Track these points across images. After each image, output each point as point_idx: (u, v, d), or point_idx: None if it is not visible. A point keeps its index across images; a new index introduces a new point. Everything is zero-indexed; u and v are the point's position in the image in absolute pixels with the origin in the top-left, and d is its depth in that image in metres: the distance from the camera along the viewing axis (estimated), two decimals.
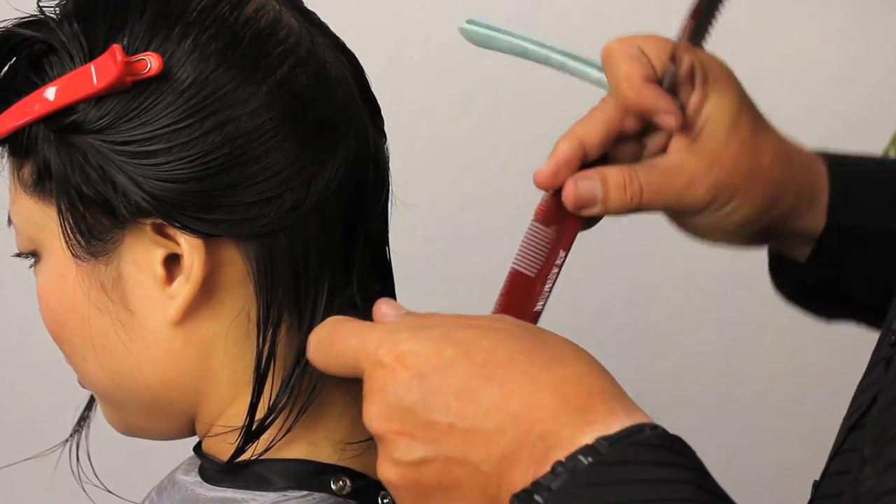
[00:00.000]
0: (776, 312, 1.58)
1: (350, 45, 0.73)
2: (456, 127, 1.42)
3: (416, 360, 0.57)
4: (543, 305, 0.72)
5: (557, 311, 1.51)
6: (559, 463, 0.54)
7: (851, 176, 0.75)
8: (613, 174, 0.71)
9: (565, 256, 0.72)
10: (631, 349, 1.58)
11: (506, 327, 0.59)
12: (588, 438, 0.54)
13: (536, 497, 0.53)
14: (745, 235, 0.76)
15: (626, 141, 0.73)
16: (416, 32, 1.48)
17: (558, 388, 0.56)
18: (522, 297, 0.71)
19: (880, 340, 0.63)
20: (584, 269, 1.53)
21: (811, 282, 0.78)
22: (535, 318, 0.72)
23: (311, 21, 0.71)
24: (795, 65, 1.55)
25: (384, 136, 0.73)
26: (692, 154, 0.72)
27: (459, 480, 0.56)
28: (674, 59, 0.71)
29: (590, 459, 0.53)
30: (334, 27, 0.73)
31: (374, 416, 0.58)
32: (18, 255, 0.73)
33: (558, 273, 0.72)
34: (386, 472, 0.58)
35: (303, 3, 0.72)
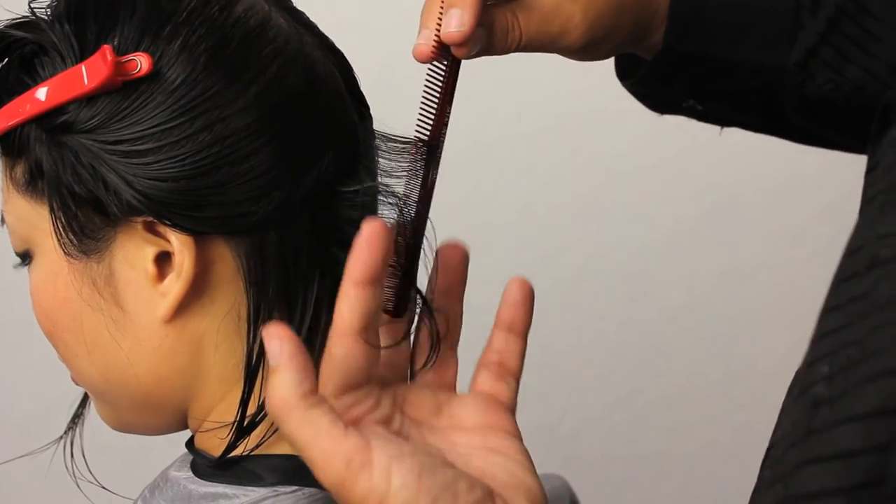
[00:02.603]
0: (775, 309, 1.60)
1: (344, 47, 0.74)
2: (453, 124, 1.43)
3: None
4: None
5: (556, 310, 1.53)
6: None
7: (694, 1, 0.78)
8: (498, 20, 0.70)
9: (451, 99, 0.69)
10: (630, 345, 1.58)
11: None
12: None
13: None
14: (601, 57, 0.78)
15: None
16: (411, 34, 1.48)
17: None
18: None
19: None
20: (583, 266, 1.54)
21: (645, 86, 0.81)
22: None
23: (300, 21, 0.72)
24: None
25: (374, 134, 0.74)
26: None
27: None
28: None
29: None
30: (330, 27, 0.74)
31: None
32: (19, 259, 0.73)
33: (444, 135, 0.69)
34: None
35: (292, 3, 0.73)
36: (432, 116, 0.67)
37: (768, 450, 0.60)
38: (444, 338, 0.64)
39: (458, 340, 0.66)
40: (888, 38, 0.76)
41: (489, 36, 0.69)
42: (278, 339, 0.55)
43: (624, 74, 0.83)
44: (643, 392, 1.58)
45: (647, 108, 0.84)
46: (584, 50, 0.74)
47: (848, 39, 0.76)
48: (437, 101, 0.68)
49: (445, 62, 0.68)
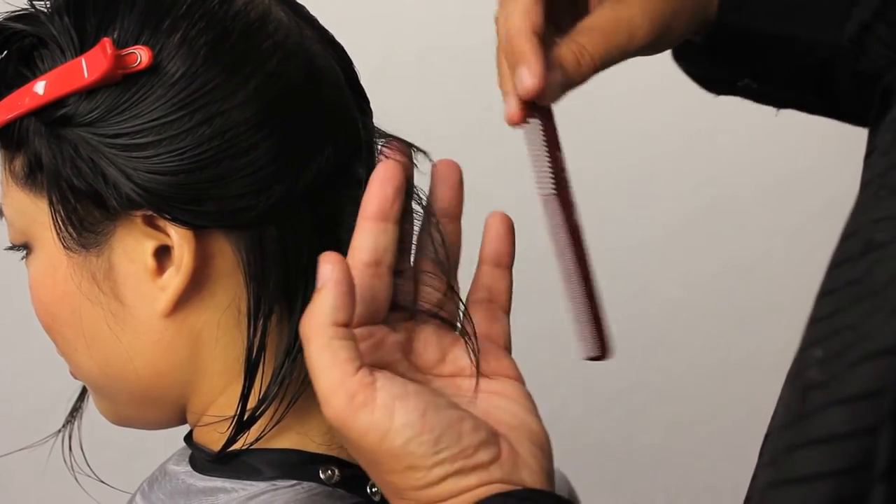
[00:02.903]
0: (773, 304, 1.60)
1: (344, 40, 0.74)
2: (451, 123, 1.43)
3: None
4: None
5: (555, 305, 1.53)
6: None
7: None
8: (566, 56, 0.69)
9: (560, 151, 0.70)
10: (629, 340, 1.58)
11: None
12: None
13: None
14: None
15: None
16: (410, 28, 1.48)
17: None
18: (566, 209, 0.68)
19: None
20: None
21: (699, 66, 0.81)
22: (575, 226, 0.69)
23: (300, 14, 0.72)
24: None
25: (373, 128, 0.74)
26: (623, 2, 0.71)
27: None
28: None
29: None
30: (329, 20, 0.74)
31: None
32: (11, 247, 0.73)
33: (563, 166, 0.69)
34: None
35: None
36: (550, 168, 0.68)
37: (765, 437, 0.60)
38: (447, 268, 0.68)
39: (457, 263, 0.69)
40: None
41: (564, 71, 0.68)
42: (331, 264, 0.59)
43: (679, 55, 0.82)
44: (642, 386, 1.58)
45: (703, 88, 0.83)
46: (653, 46, 0.73)
47: None
48: (547, 152, 0.68)
49: (538, 115, 0.68)
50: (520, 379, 0.66)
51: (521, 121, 0.68)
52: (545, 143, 0.68)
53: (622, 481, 1.60)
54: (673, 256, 1.59)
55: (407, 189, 0.66)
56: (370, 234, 0.63)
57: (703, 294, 1.60)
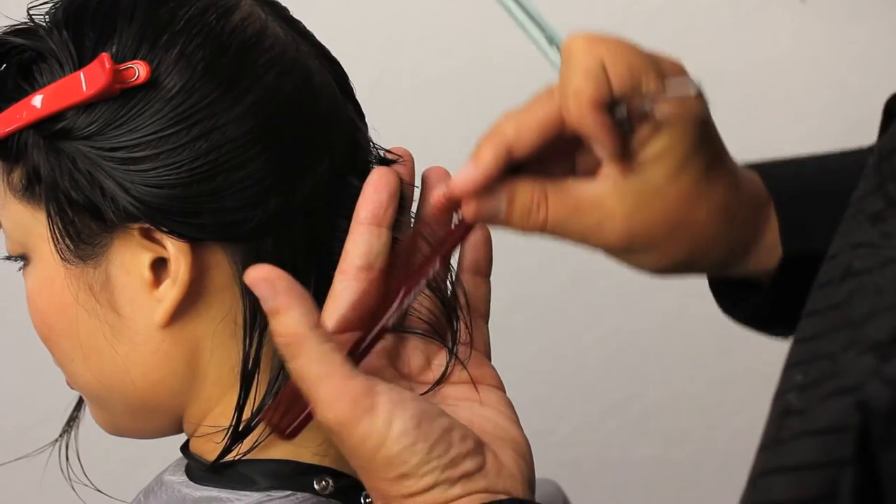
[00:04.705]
0: None
1: (341, 52, 0.74)
2: (449, 131, 1.43)
3: None
4: (393, 320, 0.62)
5: (551, 315, 1.53)
6: None
7: (799, 200, 0.67)
8: (521, 195, 0.61)
9: (441, 267, 0.64)
10: (625, 351, 1.58)
11: None
12: None
13: None
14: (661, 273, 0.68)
15: (559, 145, 0.63)
16: (407, 40, 1.48)
17: None
18: (375, 299, 0.63)
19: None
20: (577, 271, 1.54)
21: (768, 310, 0.70)
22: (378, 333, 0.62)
23: (297, 30, 0.72)
24: (792, 67, 1.56)
25: (369, 141, 0.74)
26: (618, 191, 0.61)
27: None
28: (636, 97, 0.60)
29: None
30: (325, 36, 0.74)
31: None
32: (8, 258, 0.74)
33: (422, 286, 0.63)
34: None
35: (288, 12, 0.73)
36: (424, 264, 0.63)
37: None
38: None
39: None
40: None
41: (508, 210, 0.62)
42: (267, 281, 0.57)
43: (732, 307, 0.73)
44: (638, 397, 1.58)
45: (770, 334, 0.72)
46: (629, 252, 0.64)
47: None
48: (431, 251, 0.63)
49: (457, 219, 0.63)
50: (501, 387, 0.66)
51: (438, 208, 0.64)
52: (438, 242, 0.63)
53: (618, 492, 1.60)
54: None
55: (402, 196, 0.67)
56: (363, 238, 0.64)
57: (700, 304, 1.60)
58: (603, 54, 0.60)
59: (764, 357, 1.58)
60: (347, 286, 0.63)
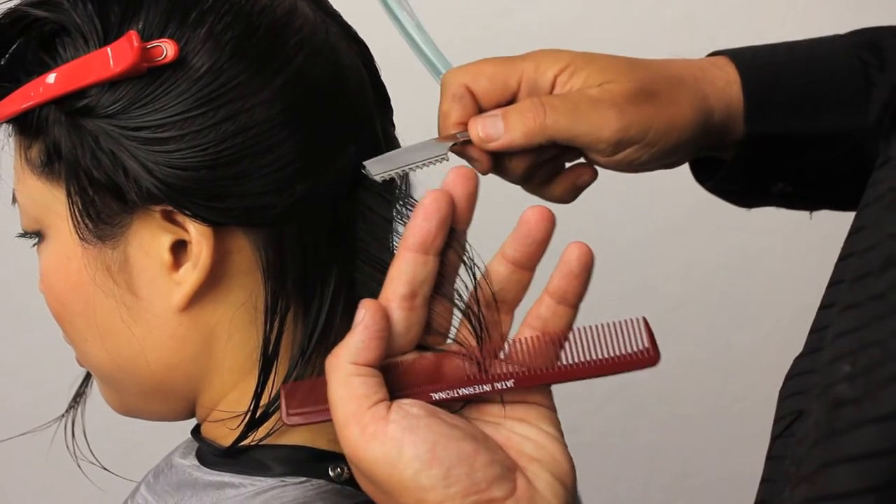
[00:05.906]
0: (772, 301, 1.60)
1: (366, 34, 0.73)
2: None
3: None
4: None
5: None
6: None
7: (765, 81, 0.76)
8: (515, 105, 0.70)
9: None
10: None
11: None
12: None
13: None
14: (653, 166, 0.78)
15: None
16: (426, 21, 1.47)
17: None
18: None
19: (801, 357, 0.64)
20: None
21: (731, 181, 0.80)
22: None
23: (325, 10, 0.71)
24: None
25: (393, 126, 0.73)
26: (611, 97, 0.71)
27: None
28: None
29: None
30: (352, 15, 0.73)
31: None
32: (23, 234, 0.73)
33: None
34: None
35: None
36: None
37: (772, 439, 0.60)
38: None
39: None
40: None
41: (506, 119, 0.70)
42: (366, 309, 0.61)
43: (703, 176, 0.82)
44: (639, 384, 1.58)
45: (734, 204, 0.83)
46: (618, 150, 0.75)
47: None
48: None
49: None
50: (548, 404, 0.65)
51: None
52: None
53: (619, 478, 1.60)
54: (671, 252, 1.59)
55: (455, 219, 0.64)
56: (409, 266, 0.62)
57: (701, 290, 1.60)
58: (465, 80, 0.70)
59: (765, 343, 1.60)
60: (391, 315, 0.62)
